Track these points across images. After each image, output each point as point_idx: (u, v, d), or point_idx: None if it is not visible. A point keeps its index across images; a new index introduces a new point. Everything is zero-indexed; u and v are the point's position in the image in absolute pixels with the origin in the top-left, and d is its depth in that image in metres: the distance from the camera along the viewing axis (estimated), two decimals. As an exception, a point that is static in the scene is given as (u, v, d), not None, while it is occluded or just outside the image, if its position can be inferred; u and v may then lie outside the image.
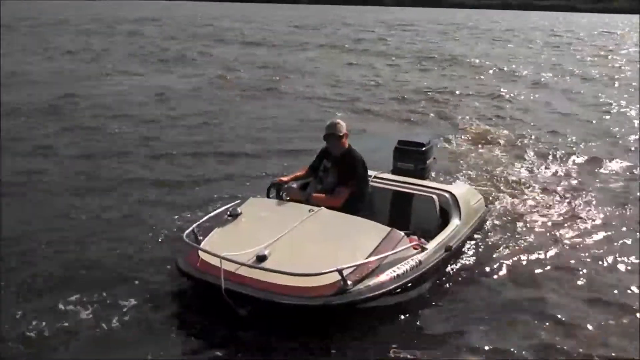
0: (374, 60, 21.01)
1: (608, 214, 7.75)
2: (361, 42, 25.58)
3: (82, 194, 7.97)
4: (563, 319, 5.36)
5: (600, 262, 6.43)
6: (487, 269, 6.20)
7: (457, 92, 16.36)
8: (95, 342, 4.78)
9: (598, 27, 31.36)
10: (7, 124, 11.46)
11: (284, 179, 6.31)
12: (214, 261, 5.00)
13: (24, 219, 7.03)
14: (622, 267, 6.36)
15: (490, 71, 19.36)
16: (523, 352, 4.90)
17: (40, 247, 6.30)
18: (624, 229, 7.29)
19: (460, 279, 5.97)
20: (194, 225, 5.55)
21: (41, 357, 4.61)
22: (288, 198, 6.11)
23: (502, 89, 16.76)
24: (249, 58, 22.24)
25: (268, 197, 6.28)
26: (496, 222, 7.27)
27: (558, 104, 15.58)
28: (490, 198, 7.89)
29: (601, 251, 6.68)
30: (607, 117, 14.42)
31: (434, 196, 6.39)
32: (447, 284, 5.84)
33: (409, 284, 5.28)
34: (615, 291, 5.86)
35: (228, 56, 22.79)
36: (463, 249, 6.32)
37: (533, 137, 11.67)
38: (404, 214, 6.42)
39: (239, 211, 5.78)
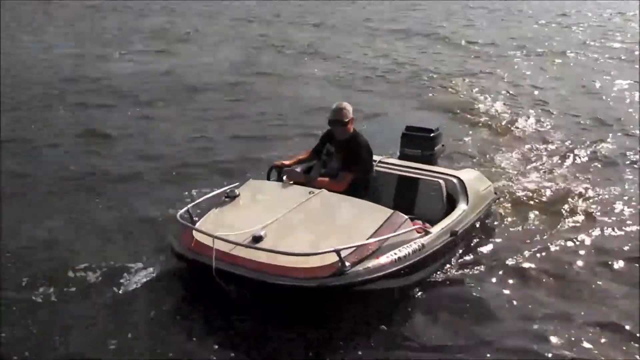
0: (384, 41, 20.16)
1: (623, 207, 7.40)
2: (369, 22, 24.47)
3: (85, 182, 7.82)
4: (568, 312, 5.20)
5: (609, 259, 6.16)
6: (493, 256, 6.02)
7: (469, 74, 15.44)
8: (90, 334, 4.71)
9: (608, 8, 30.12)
10: (6, 117, 11.14)
11: (286, 162, 6.16)
12: (208, 241, 4.85)
13: (23, 215, 6.87)
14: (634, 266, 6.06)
15: (506, 52, 18.39)
16: (524, 343, 4.77)
17: (39, 241, 6.19)
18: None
19: (464, 265, 5.78)
20: (189, 205, 5.40)
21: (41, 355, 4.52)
22: (291, 182, 5.92)
23: (516, 73, 15.86)
24: (253, 35, 20.94)
25: (268, 179, 6.11)
26: (505, 210, 7.06)
27: (577, 87, 14.79)
28: (500, 185, 7.62)
29: (612, 248, 6.40)
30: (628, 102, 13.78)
31: (441, 181, 6.18)
32: (451, 270, 5.66)
33: (411, 268, 5.09)
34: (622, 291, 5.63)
35: (235, 34, 21.52)
36: (469, 235, 6.11)
37: (550, 122, 11.14)
38: (408, 199, 6.22)
39: (237, 193, 5.63)
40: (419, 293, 5.28)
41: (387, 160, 6.62)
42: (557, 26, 24.82)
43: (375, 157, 6.26)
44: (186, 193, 7.13)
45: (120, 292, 5.17)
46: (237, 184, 5.87)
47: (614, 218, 7.00)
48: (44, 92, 12.41)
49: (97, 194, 7.35)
